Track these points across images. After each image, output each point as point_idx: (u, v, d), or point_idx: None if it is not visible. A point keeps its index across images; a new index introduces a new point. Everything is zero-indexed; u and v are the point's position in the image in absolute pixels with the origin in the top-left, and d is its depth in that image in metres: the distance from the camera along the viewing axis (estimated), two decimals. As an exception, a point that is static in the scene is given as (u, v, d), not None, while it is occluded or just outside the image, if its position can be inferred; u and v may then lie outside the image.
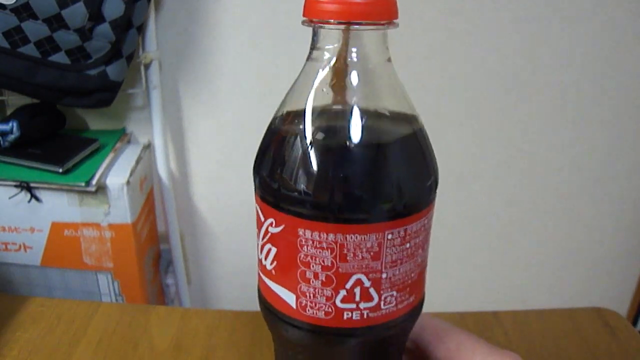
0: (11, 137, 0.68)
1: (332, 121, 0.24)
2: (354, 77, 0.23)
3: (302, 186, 0.22)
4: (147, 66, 0.74)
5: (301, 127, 0.23)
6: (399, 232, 0.23)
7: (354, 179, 0.22)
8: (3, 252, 0.71)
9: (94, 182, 0.66)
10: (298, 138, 0.23)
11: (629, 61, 0.82)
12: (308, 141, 0.22)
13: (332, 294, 0.23)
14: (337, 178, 0.22)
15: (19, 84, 0.66)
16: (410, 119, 0.25)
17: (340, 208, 0.22)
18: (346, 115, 0.23)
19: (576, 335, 0.47)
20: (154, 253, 0.85)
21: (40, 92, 0.67)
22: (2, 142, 0.68)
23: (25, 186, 0.66)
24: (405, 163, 0.24)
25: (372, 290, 0.23)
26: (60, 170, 0.67)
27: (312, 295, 0.23)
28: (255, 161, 0.25)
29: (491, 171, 0.88)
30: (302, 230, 0.22)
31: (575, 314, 0.50)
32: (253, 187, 0.25)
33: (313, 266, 0.23)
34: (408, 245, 0.23)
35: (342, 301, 0.23)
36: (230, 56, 0.78)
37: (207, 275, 0.97)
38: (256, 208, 0.25)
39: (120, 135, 0.80)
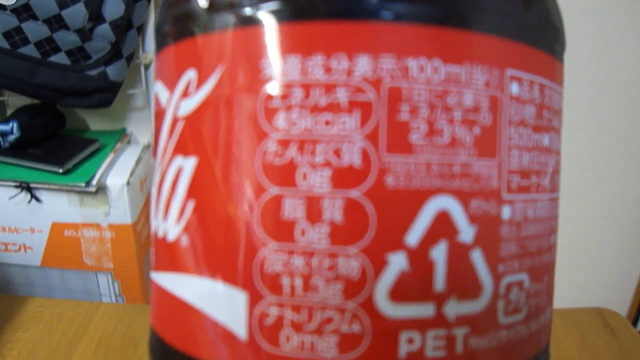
0: (11, 138, 0.68)
1: None
2: None
3: None
4: (147, 66, 0.74)
5: None
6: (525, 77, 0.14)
7: None
8: (3, 252, 0.71)
9: (94, 182, 0.66)
10: None
11: (629, 61, 0.82)
12: None
13: None
14: None
15: (19, 84, 0.66)
16: None
17: None
18: None
19: (576, 335, 0.47)
20: (154, 253, 0.85)
21: (41, 92, 0.67)
22: (2, 143, 0.68)
23: (26, 186, 0.66)
24: None
25: None
26: (61, 171, 0.67)
27: None
28: None
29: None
30: None
31: (575, 314, 0.50)
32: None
33: None
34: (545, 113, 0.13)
35: None
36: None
37: (207, 276, 0.96)
38: None
39: (121, 136, 0.80)
